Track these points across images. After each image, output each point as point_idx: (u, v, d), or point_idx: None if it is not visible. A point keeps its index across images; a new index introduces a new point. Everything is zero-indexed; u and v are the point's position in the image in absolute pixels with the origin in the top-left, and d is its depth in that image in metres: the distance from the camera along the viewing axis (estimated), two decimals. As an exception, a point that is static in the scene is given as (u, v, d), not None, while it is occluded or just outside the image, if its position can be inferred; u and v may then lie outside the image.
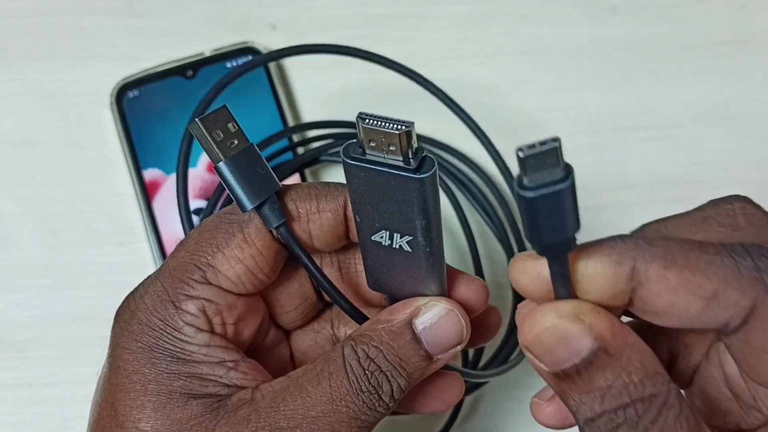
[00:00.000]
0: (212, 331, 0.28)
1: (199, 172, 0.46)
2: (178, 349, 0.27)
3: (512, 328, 0.42)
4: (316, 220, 0.28)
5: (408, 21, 0.49)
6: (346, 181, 0.25)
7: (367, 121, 0.23)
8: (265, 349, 0.31)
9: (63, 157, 0.47)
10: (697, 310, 0.23)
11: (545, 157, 0.20)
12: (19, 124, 0.47)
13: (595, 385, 0.23)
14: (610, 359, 0.23)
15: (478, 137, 0.44)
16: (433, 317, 0.27)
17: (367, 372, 0.26)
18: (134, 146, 0.46)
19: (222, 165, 0.26)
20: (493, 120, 0.46)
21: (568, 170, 0.20)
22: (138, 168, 0.46)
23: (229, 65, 0.47)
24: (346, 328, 0.33)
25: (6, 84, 0.48)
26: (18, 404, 0.44)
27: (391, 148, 0.23)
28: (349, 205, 0.28)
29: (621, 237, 0.24)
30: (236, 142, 0.27)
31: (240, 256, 0.27)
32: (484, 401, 0.43)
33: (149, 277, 0.28)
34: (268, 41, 0.48)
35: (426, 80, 0.44)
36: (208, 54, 0.47)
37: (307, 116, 0.48)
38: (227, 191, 0.27)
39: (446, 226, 0.45)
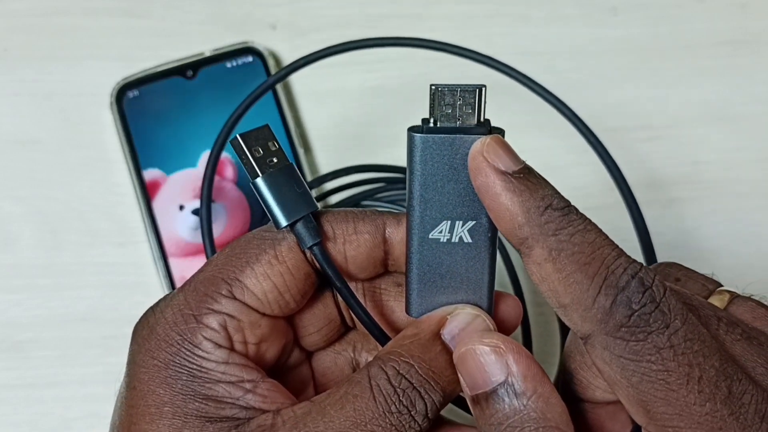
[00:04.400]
0: (232, 348, 0.27)
1: (199, 172, 0.46)
2: (195, 366, 0.26)
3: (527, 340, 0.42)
4: (353, 241, 0.27)
5: (408, 21, 0.49)
6: (411, 164, 0.25)
7: (441, 87, 0.25)
8: (287, 369, 0.30)
9: (63, 157, 0.47)
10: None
11: None
12: (19, 124, 0.47)
13: (496, 418, 0.24)
14: (514, 397, 0.24)
15: (587, 138, 0.42)
16: (461, 324, 0.26)
17: (398, 390, 0.25)
18: (134, 146, 0.46)
19: (259, 180, 0.27)
20: (493, 121, 0.46)
21: None
22: (138, 168, 0.46)
23: (229, 65, 0.47)
24: (368, 355, 0.31)
25: (6, 84, 0.48)
26: (18, 404, 0.44)
27: (467, 110, 0.25)
28: (388, 228, 0.28)
29: None
30: (275, 160, 0.27)
31: (269, 272, 0.27)
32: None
33: (173, 291, 0.28)
34: (268, 41, 0.48)
35: (522, 74, 0.43)
36: (208, 54, 0.47)
37: (307, 116, 0.48)
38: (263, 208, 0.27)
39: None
